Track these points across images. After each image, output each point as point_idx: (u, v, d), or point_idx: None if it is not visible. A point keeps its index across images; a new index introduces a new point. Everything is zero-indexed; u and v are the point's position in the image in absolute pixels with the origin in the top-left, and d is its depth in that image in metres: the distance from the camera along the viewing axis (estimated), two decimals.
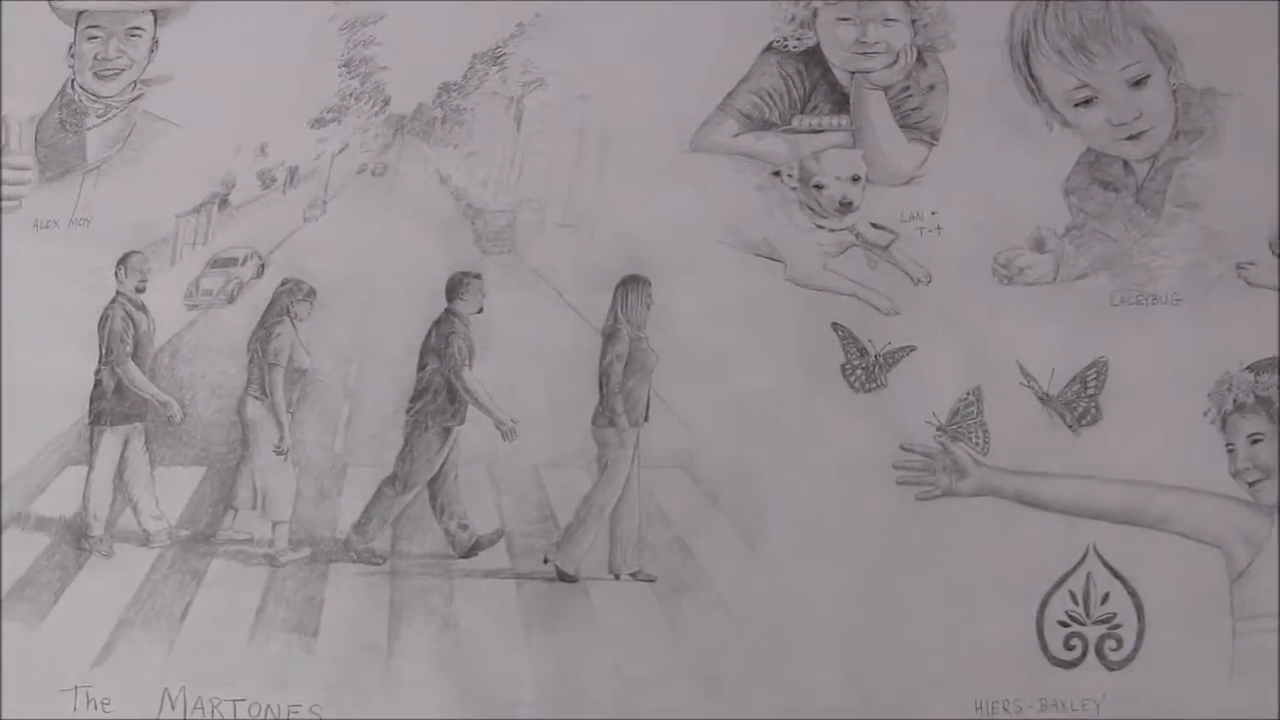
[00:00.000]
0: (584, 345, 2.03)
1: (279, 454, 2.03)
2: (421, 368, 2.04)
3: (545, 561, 1.97)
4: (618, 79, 2.11)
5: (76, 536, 2.03)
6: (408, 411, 2.03)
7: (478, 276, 2.05)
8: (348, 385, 2.04)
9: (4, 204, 2.15)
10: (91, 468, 2.06)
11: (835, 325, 2.02)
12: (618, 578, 1.96)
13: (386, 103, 2.12)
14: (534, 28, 2.13)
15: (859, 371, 2.01)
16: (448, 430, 2.02)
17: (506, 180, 2.09)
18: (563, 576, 1.96)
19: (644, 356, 2.02)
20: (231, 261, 2.10)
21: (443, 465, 2.01)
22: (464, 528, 1.99)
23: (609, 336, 2.03)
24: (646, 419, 2.00)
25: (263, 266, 2.09)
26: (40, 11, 2.22)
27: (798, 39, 2.12)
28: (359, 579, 1.98)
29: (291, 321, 2.06)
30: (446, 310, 2.05)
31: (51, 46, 2.22)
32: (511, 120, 2.10)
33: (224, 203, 2.12)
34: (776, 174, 2.08)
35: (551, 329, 2.03)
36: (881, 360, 2.00)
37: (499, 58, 2.11)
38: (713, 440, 1.99)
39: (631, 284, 2.04)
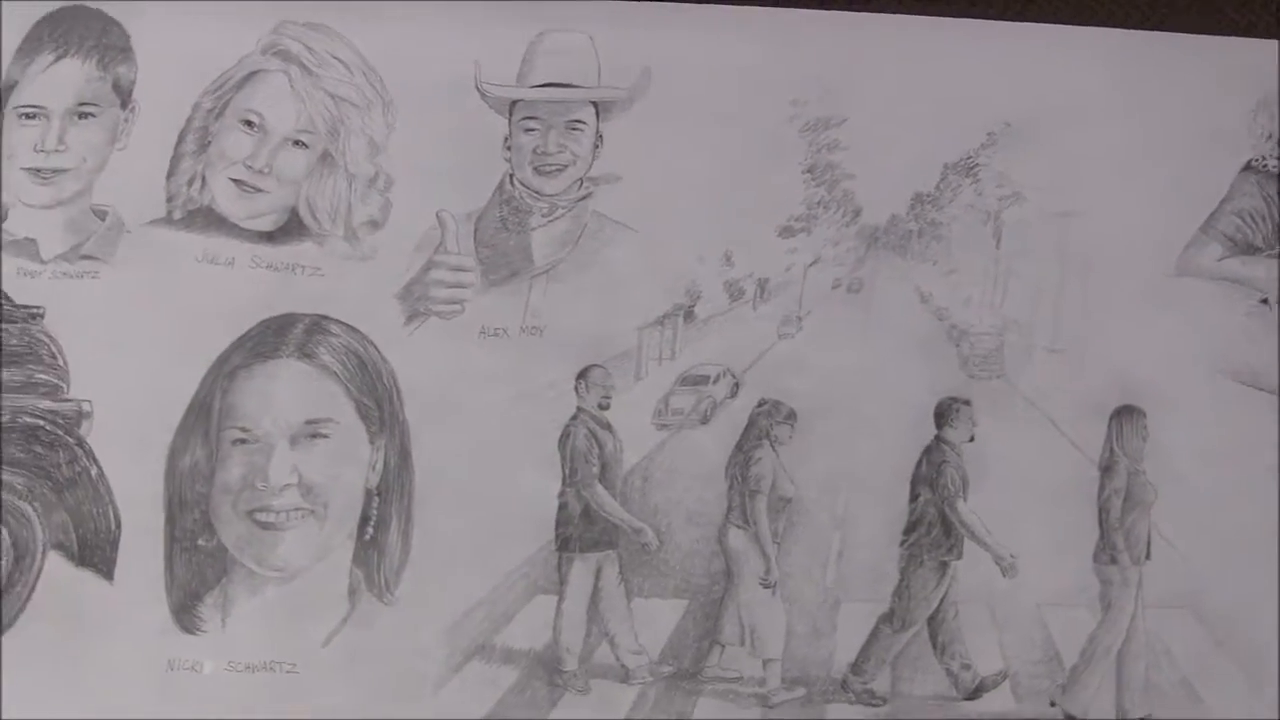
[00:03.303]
0: (1081, 477, 2.04)
1: (766, 587, 2.02)
2: (914, 498, 2.04)
3: (1052, 704, 1.99)
4: (1095, 196, 2.13)
5: (549, 671, 2.00)
6: (901, 544, 2.02)
7: (967, 403, 2.05)
8: (836, 515, 2.04)
9: (446, 308, 2.10)
10: (562, 598, 2.03)
11: None
12: None
13: (857, 213, 2.11)
14: (1005, 138, 2.13)
15: None
16: (944, 565, 2.02)
17: (990, 301, 2.09)
18: None
19: (1142, 491, 2.04)
20: (703, 379, 2.08)
21: (941, 602, 2.01)
22: (966, 668, 2.00)
23: (1106, 469, 2.04)
24: (1148, 556, 2.02)
25: (737, 385, 2.07)
26: (468, 98, 2.16)
27: (1276, 158, 2.14)
28: None
29: (772, 445, 2.04)
30: (936, 438, 2.05)
31: (484, 137, 2.17)
32: (990, 236, 2.11)
33: (689, 315, 2.09)
34: (1264, 301, 2.10)
35: (1047, 460, 2.05)
36: None
37: (971, 169, 2.11)
38: (1216, 579, 2.02)
39: (1126, 415, 2.06)
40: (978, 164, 2.14)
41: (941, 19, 2.17)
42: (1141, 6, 2.22)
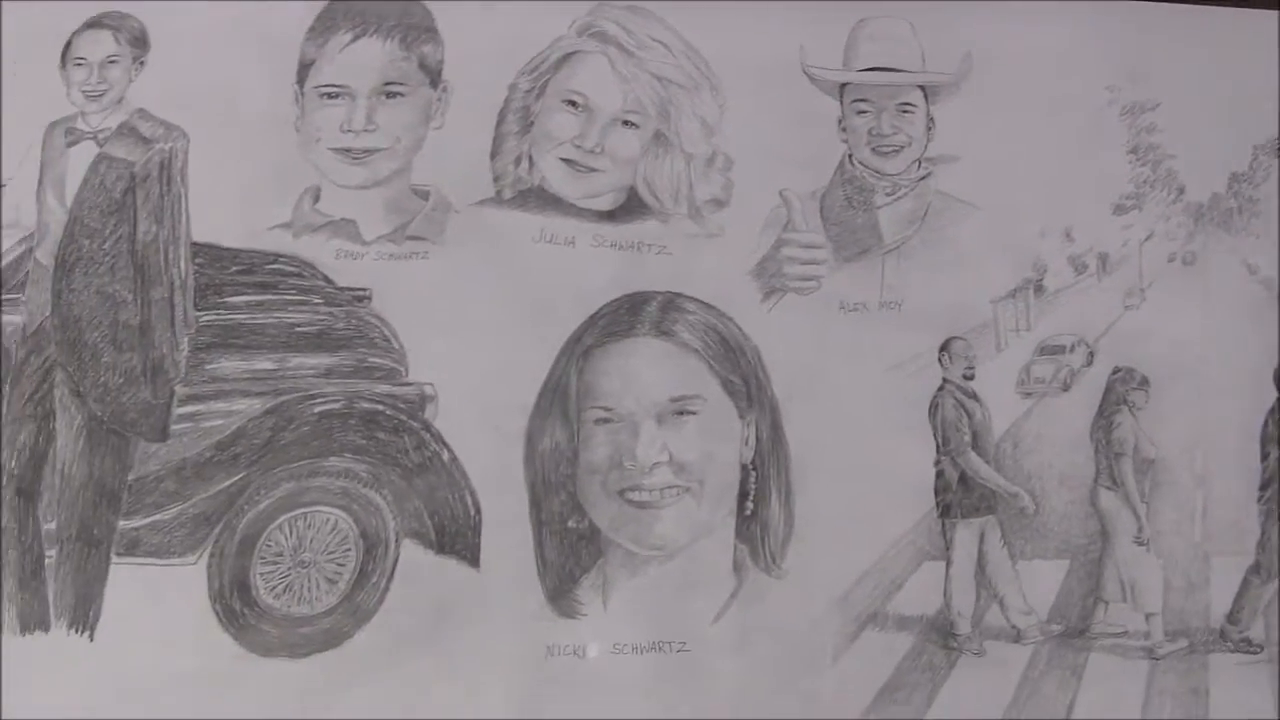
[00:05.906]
0: None
1: (1139, 544, 2.58)
2: (1264, 456, 2.61)
3: None
4: None
5: (943, 635, 2.49)
6: (1259, 500, 2.63)
7: None
8: (1195, 473, 2.61)
9: (802, 284, 2.64)
10: (949, 563, 2.50)
11: None
12: None
13: (1181, 191, 2.73)
14: None
15: None
16: None
17: None
18: None
19: None
20: (1059, 349, 2.65)
21: None
22: None
23: None
24: None
25: (1091, 354, 2.65)
26: (795, 80, 2.72)
27: None
28: (1240, 669, 2.55)
29: (1130, 410, 2.61)
30: (1279, 400, 2.70)
31: (817, 117, 2.67)
32: None
33: (1039, 288, 2.67)
34: None
35: None
36: None
37: (1278, 149, 2.80)
38: None
39: None
40: None
41: (1240, 10, 2.88)
42: None
